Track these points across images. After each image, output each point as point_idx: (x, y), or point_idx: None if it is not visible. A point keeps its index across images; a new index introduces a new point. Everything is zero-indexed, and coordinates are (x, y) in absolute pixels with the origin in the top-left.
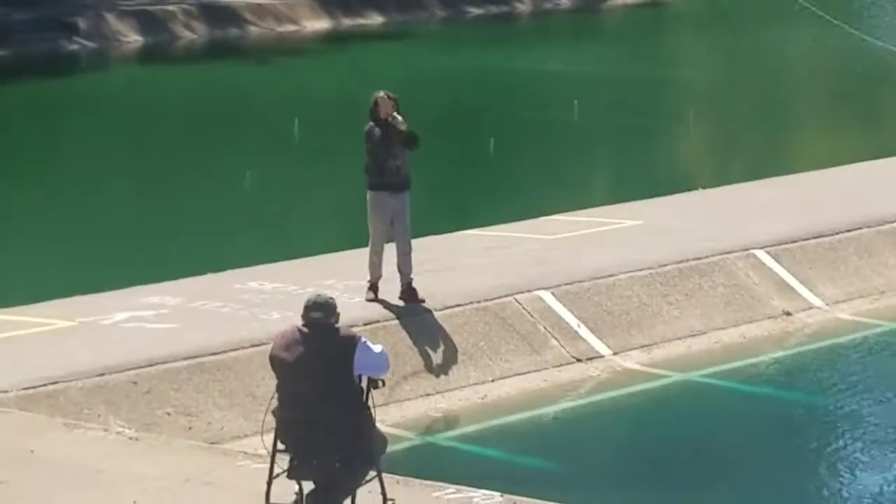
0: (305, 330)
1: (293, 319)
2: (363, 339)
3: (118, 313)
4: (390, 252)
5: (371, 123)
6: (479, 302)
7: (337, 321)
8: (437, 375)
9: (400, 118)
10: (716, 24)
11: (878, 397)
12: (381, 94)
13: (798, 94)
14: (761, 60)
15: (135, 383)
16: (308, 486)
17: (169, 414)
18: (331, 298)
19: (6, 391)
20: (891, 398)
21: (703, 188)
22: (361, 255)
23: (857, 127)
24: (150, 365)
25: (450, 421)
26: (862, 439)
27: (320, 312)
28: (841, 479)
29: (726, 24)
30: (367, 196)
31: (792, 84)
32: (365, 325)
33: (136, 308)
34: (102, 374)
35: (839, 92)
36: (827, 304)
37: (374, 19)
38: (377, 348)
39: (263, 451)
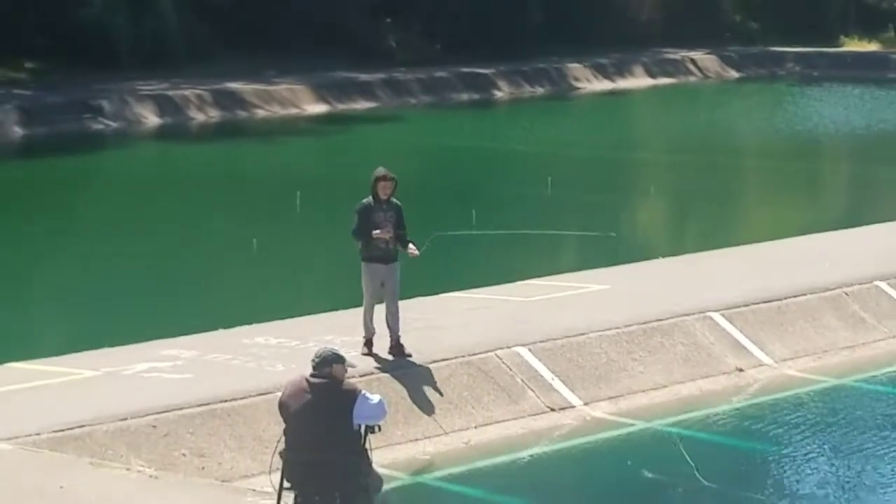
0: (313, 380)
1: (296, 371)
2: (363, 392)
3: (139, 364)
4: (382, 312)
5: (368, 200)
6: (462, 357)
7: (342, 374)
8: (426, 422)
9: (412, 247)
10: (672, 109)
11: (820, 445)
12: (383, 171)
13: (747, 170)
14: (714, 140)
15: (154, 427)
16: None
17: (184, 455)
18: (337, 352)
19: (38, 433)
20: (831, 445)
21: (663, 257)
22: (356, 315)
23: (802, 202)
24: (168, 411)
25: (437, 463)
26: (806, 482)
27: (326, 365)
28: None
29: (680, 107)
30: (361, 265)
31: (742, 161)
32: (361, 376)
33: (154, 360)
34: (125, 419)
35: (786, 168)
36: (775, 362)
37: (366, 104)
38: (375, 399)
39: (270, 489)
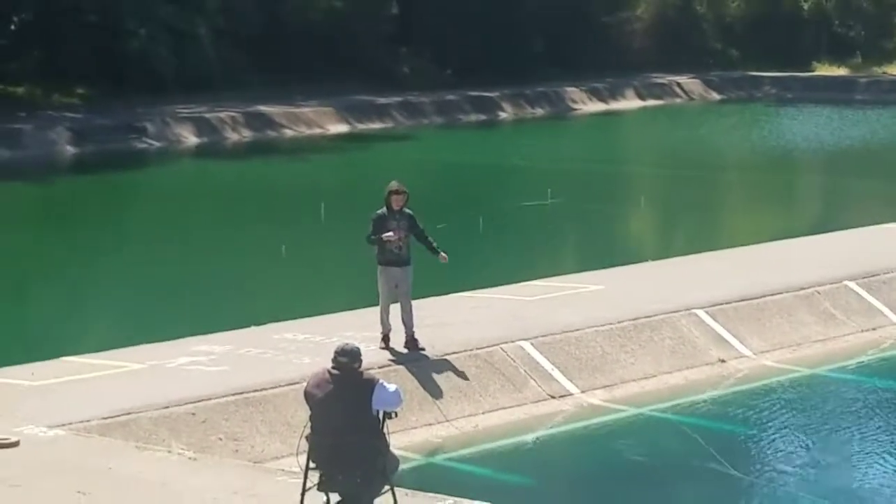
0: (335, 372)
1: (321, 363)
2: (380, 381)
3: (179, 358)
4: (398, 310)
5: (383, 210)
6: (471, 350)
7: (360, 366)
8: (438, 408)
9: (443, 254)
10: (660, 127)
11: (794, 427)
12: (396, 185)
13: (728, 182)
14: (697, 155)
15: (193, 414)
16: (334, 497)
17: (220, 439)
18: (357, 347)
19: (89, 420)
20: (804, 428)
21: (653, 260)
22: (374, 313)
23: (778, 210)
24: (206, 399)
25: (448, 445)
26: (781, 460)
27: (347, 358)
28: (766, 494)
29: (667, 126)
30: (378, 268)
31: (723, 174)
32: (379, 368)
33: (193, 354)
34: (167, 407)
35: (763, 180)
36: (754, 354)
37: (383, 125)
38: (391, 387)
39: (297, 469)
